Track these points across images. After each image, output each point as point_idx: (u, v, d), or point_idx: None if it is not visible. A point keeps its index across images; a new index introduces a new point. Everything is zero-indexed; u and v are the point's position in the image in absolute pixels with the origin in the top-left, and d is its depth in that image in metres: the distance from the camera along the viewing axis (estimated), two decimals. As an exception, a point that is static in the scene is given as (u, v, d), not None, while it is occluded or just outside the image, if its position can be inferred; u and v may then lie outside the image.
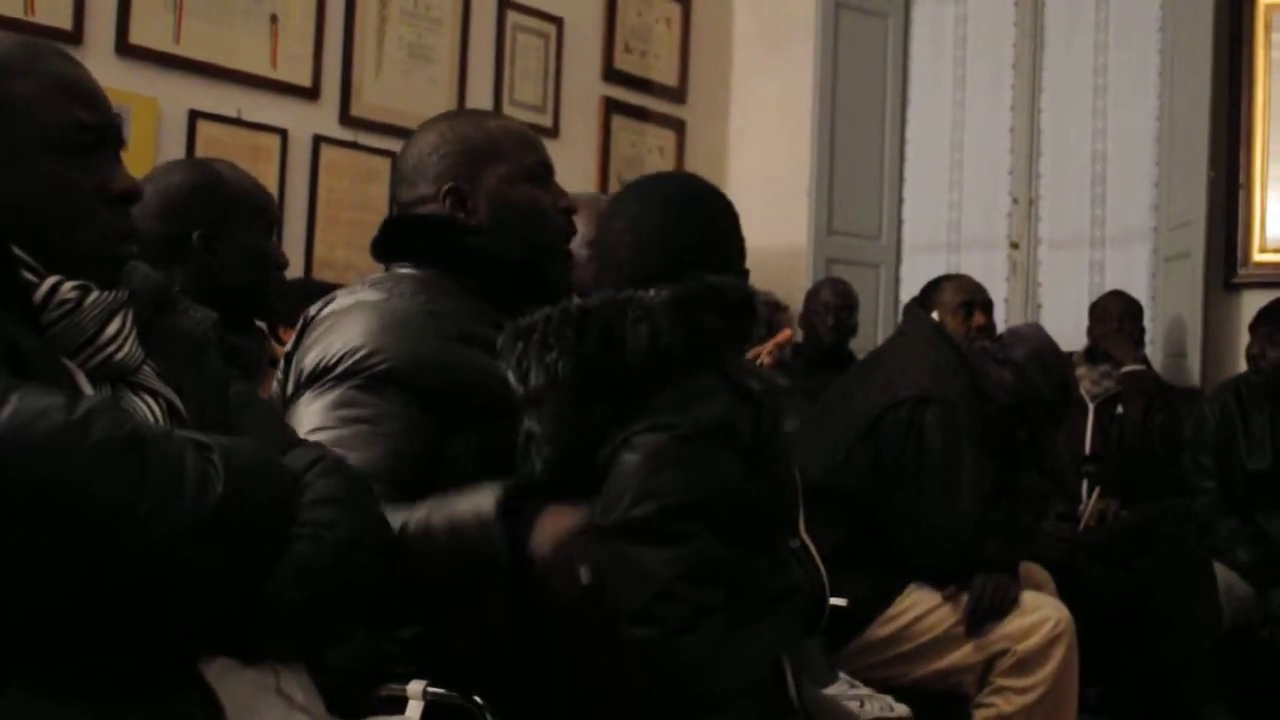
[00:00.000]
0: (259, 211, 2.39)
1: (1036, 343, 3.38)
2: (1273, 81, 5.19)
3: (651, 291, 1.80)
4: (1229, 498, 4.19)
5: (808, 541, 2.00)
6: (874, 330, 5.62)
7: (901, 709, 2.25)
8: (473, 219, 2.07)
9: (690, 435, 1.75)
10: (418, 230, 2.08)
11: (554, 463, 1.79)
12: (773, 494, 1.89)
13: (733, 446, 1.79)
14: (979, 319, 3.96)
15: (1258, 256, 5.20)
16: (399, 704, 1.73)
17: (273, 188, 4.42)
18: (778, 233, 5.80)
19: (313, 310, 2.05)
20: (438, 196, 2.08)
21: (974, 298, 4.10)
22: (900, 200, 6.06)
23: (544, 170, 2.14)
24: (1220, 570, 3.92)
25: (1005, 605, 3.05)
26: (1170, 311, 5.24)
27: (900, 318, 4.53)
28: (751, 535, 1.84)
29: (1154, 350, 5.16)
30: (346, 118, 4.80)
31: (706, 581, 1.71)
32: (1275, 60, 5.19)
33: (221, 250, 2.30)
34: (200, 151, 4.27)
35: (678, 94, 6.08)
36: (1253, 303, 5.14)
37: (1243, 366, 4.99)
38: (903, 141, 6.08)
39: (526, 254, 2.06)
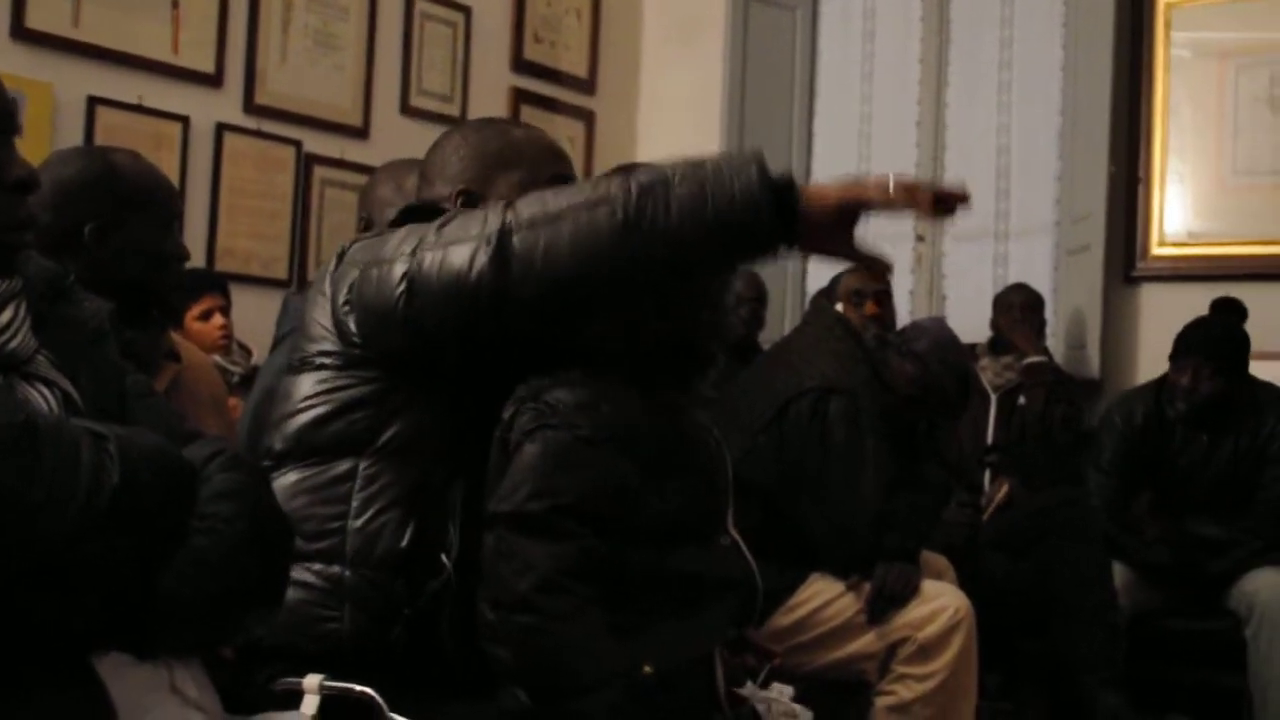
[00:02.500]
0: (157, 206, 2.33)
1: (938, 335, 3.42)
2: (1172, 78, 5.28)
3: None
4: (1158, 506, 4.25)
5: (737, 537, 2.02)
6: (781, 323, 5.66)
7: (806, 716, 2.27)
8: None
9: (592, 438, 1.78)
10: (434, 217, 2.03)
11: None
12: (690, 495, 1.91)
13: (633, 452, 1.81)
14: (870, 308, 4.02)
15: (1156, 250, 5.29)
16: (295, 698, 1.72)
17: (174, 176, 4.36)
18: (686, 224, 5.82)
19: None
20: (451, 198, 2.09)
21: (865, 287, 4.17)
22: (808, 192, 6.09)
23: (562, 184, 2.12)
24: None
25: (906, 594, 3.08)
26: (1071, 304, 5.33)
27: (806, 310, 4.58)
28: (663, 534, 1.87)
29: (1055, 342, 5.23)
30: (251, 105, 4.75)
31: (586, 577, 1.75)
32: (1175, 57, 5.28)
33: (115, 245, 2.24)
34: (99, 139, 4.20)
35: (587, 85, 6.07)
36: (1151, 296, 5.24)
37: (1141, 359, 5.11)
38: (810, 134, 6.12)
39: None
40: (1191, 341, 4.15)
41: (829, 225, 1.65)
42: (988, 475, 4.59)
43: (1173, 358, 4.20)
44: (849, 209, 1.64)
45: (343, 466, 1.85)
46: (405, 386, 1.85)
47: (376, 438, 1.85)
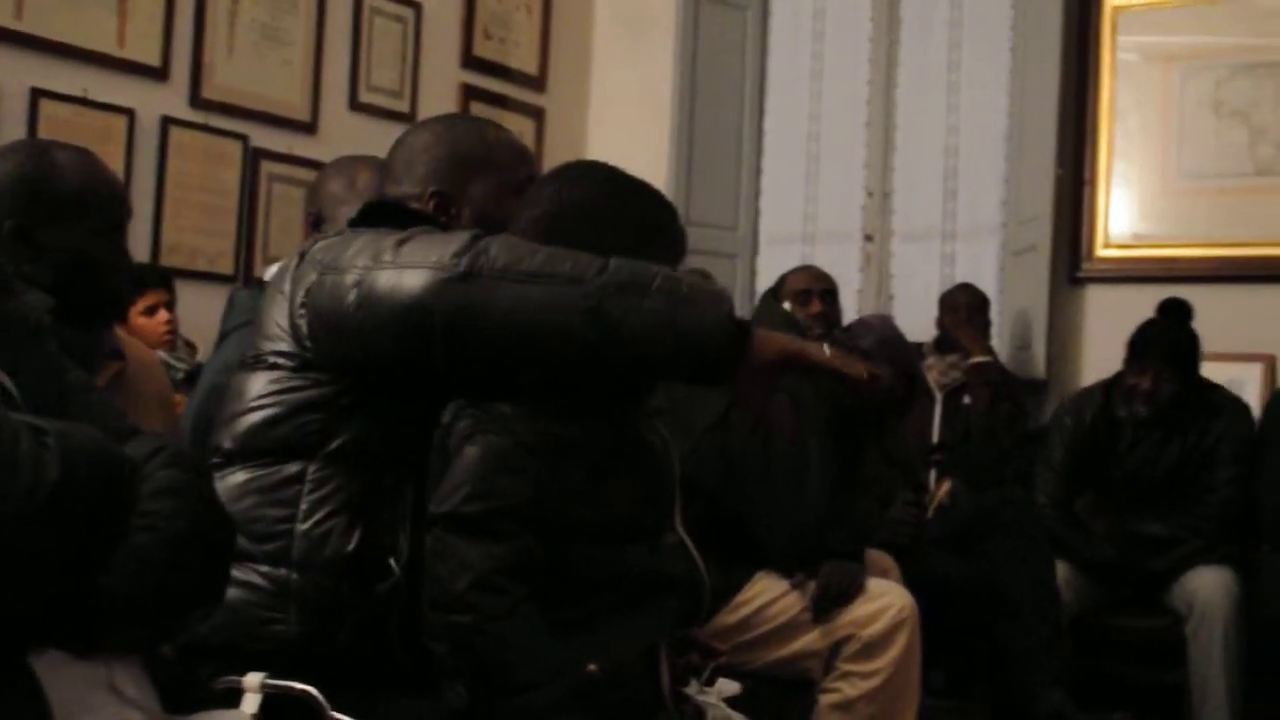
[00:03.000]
0: (94, 211, 2.24)
1: (884, 333, 3.44)
2: (1118, 82, 5.33)
3: None
4: (1102, 505, 4.28)
5: (684, 536, 2.03)
6: (730, 321, 5.67)
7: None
8: (454, 225, 2.04)
9: (532, 445, 1.78)
10: (400, 217, 2.00)
11: None
12: (635, 496, 1.91)
13: (574, 459, 1.82)
14: (815, 307, 4.04)
15: (1101, 252, 5.34)
16: (235, 696, 1.71)
17: (119, 170, 4.31)
18: (636, 222, 5.82)
19: None
20: (422, 198, 2.07)
21: (812, 286, 4.20)
22: (758, 192, 6.12)
23: (530, 185, 2.12)
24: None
25: (851, 592, 3.10)
26: (1017, 304, 5.36)
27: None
28: (608, 533, 1.87)
29: (1000, 342, 5.27)
30: (197, 99, 4.71)
31: (524, 576, 1.75)
32: (1121, 61, 5.33)
33: (40, 246, 2.17)
34: (42, 132, 4.15)
35: (537, 82, 6.07)
36: (1096, 297, 5.29)
37: (1086, 360, 5.15)
38: (760, 133, 6.14)
39: None
40: (1149, 345, 4.17)
41: (761, 372, 1.70)
42: (933, 474, 4.62)
43: (1130, 361, 4.22)
44: (786, 363, 1.72)
45: (292, 469, 1.84)
46: (357, 391, 1.84)
47: (327, 442, 1.84)
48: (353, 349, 1.79)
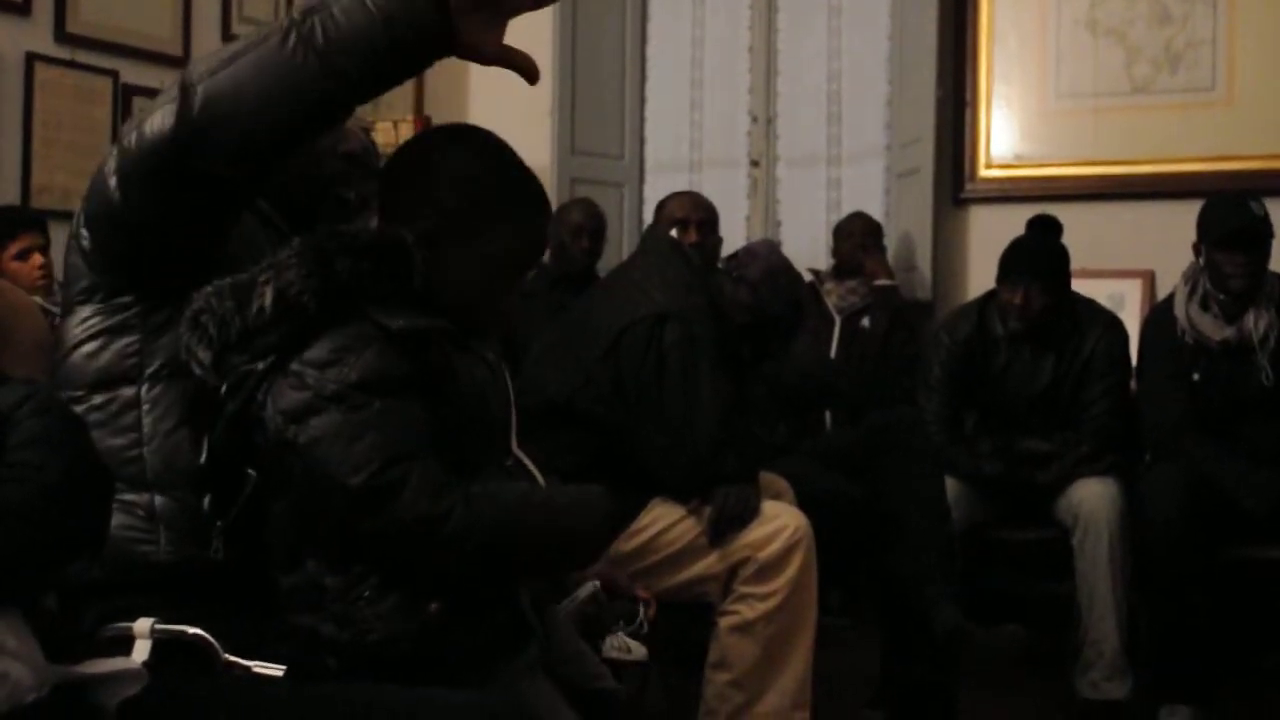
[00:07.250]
0: None
1: (770, 261, 3.43)
2: (996, 3, 5.38)
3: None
4: (987, 424, 4.34)
5: (523, 458, 2.00)
6: (618, 250, 5.65)
7: (639, 651, 2.27)
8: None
9: (338, 394, 1.76)
10: None
11: None
12: (463, 420, 1.88)
13: (393, 393, 1.79)
14: (691, 237, 4.04)
15: (983, 172, 5.40)
16: (125, 643, 1.68)
17: (-18, 110, 4.19)
18: (520, 152, 5.76)
19: None
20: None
21: (690, 216, 4.20)
22: (642, 119, 6.09)
23: None
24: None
25: (746, 515, 3.11)
26: (902, 226, 5.41)
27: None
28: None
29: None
30: (62, 34, 4.57)
31: None
32: (999, -18, 5.38)
33: None
34: (-100, 71, 4.01)
35: None
36: (979, 217, 5.35)
37: (970, 280, 5.22)
38: (643, 60, 6.10)
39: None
40: (1020, 261, 4.20)
41: (477, 13, 1.70)
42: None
43: (1002, 278, 4.25)
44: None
45: (126, 394, 1.84)
46: (164, 305, 1.84)
47: (149, 361, 1.84)
48: (130, 242, 1.80)
